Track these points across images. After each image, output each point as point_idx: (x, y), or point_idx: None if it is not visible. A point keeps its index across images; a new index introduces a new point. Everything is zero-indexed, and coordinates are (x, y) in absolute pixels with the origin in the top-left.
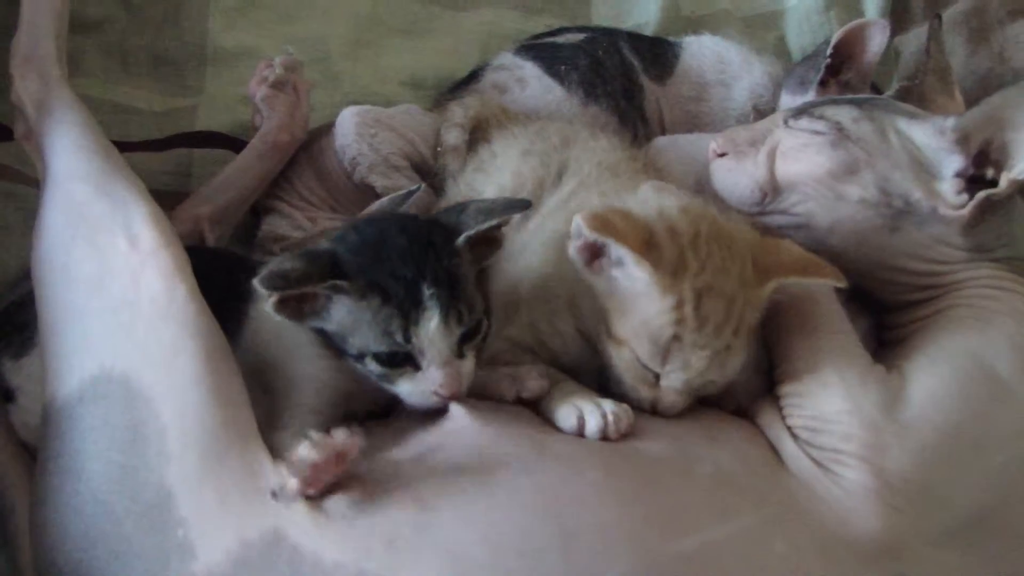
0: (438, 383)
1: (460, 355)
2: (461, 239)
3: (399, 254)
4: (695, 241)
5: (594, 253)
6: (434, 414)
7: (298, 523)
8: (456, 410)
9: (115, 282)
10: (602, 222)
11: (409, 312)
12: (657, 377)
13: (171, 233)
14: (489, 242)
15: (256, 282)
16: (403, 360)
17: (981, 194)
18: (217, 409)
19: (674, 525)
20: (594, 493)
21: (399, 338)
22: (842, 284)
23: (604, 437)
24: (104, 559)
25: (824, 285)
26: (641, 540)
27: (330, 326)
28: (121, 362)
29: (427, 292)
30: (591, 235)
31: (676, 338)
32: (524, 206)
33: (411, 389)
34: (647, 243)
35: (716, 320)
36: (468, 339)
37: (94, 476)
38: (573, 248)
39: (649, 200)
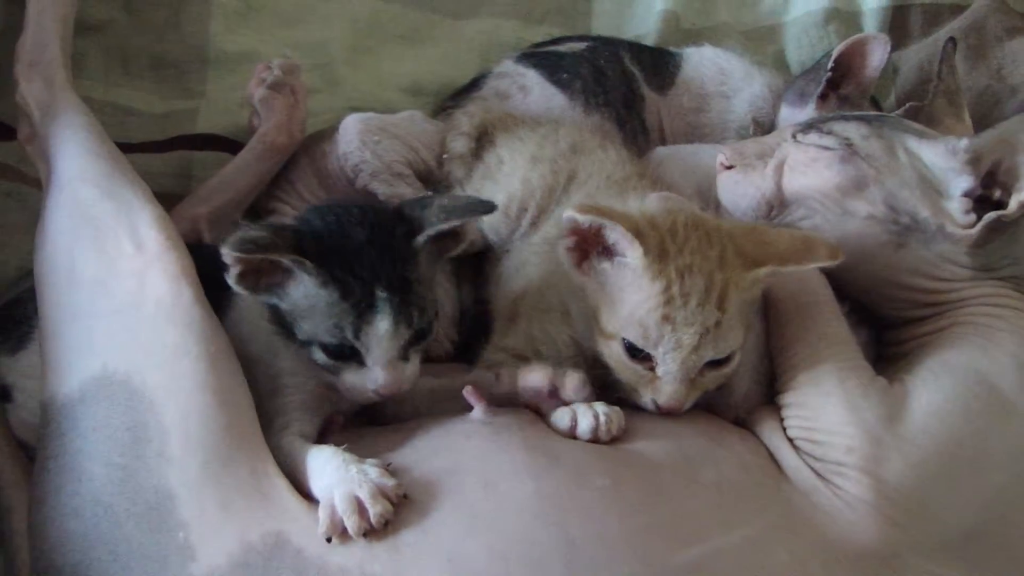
0: (379, 383)
1: (405, 358)
2: (420, 239)
3: (357, 250)
4: (673, 229)
5: (583, 253)
6: (445, 418)
7: (301, 526)
8: (468, 414)
9: (120, 284)
10: (595, 209)
11: (363, 312)
12: (652, 369)
13: (176, 236)
14: (453, 236)
15: (224, 246)
16: (349, 354)
17: (992, 215)
18: (220, 412)
19: (678, 534)
20: (600, 501)
21: (348, 334)
22: (839, 261)
23: (595, 438)
24: (103, 560)
25: (815, 277)
26: (645, 550)
27: (284, 304)
28: (124, 363)
29: (380, 296)
30: (585, 219)
31: (666, 318)
32: (489, 209)
33: (353, 382)
34: (636, 234)
35: (698, 296)
36: (416, 342)
37: (94, 477)
38: (562, 248)
39: (631, 202)
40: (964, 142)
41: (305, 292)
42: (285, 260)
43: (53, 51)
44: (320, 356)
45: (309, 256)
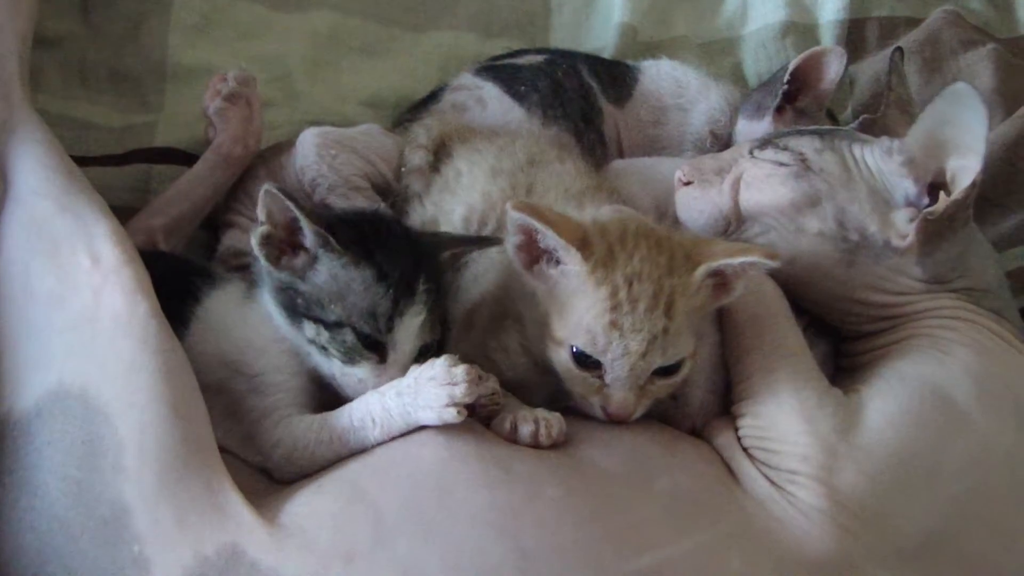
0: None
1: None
2: (447, 253)
3: (399, 241)
4: (623, 237)
5: (532, 256)
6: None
7: (256, 539)
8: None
9: (76, 298)
10: (530, 208)
11: (399, 299)
12: (600, 377)
13: (133, 251)
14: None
15: (264, 188)
16: (374, 347)
17: (919, 215)
18: (176, 425)
19: (631, 543)
20: (553, 512)
21: (381, 325)
22: (776, 264)
23: (536, 443)
24: (58, 575)
25: (769, 288)
26: (598, 559)
27: (305, 286)
28: (80, 377)
29: (422, 286)
30: (517, 216)
31: (613, 324)
32: (497, 242)
33: (361, 378)
34: (581, 241)
35: (646, 302)
36: (425, 353)
37: (50, 491)
38: (511, 246)
39: (587, 211)
40: (897, 142)
41: (333, 275)
42: (310, 232)
43: (11, 67)
44: (350, 338)
45: (340, 239)
